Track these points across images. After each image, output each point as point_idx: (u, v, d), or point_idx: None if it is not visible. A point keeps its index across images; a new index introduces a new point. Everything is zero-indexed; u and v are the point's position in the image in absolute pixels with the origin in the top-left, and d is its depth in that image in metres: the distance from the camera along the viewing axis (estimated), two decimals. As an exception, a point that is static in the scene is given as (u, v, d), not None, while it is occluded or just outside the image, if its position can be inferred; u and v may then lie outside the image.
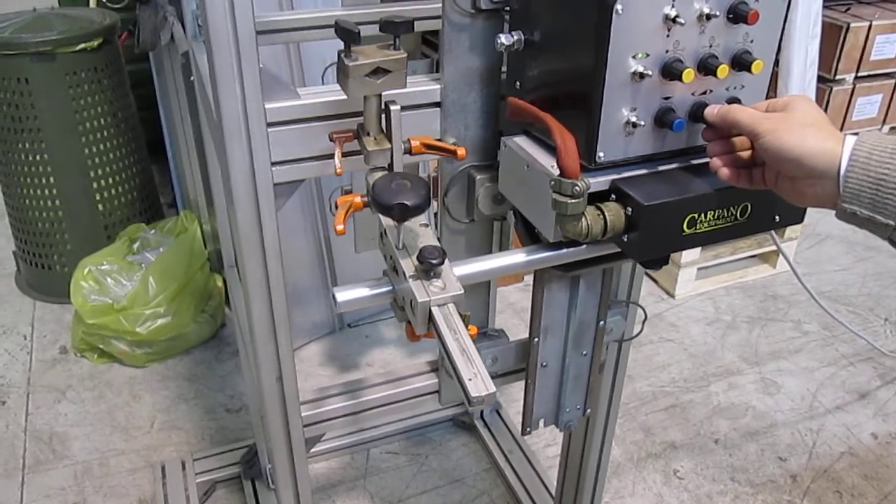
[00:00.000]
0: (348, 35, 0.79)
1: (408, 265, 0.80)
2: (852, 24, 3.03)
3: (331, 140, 0.87)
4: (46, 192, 2.44)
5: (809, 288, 1.97)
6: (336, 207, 0.83)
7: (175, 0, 1.80)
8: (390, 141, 0.85)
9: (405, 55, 0.82)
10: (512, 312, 2.52)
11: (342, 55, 0.81)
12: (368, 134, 0.86)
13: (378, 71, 0.81)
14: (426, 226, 0.84)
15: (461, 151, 0.90)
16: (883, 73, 3.21)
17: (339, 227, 0.80)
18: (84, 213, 2.50)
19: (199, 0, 0.80)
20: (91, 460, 1.95)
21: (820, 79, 2.93)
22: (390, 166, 0.86)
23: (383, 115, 0.86)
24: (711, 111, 0.82)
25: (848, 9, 3.21)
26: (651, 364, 2.32)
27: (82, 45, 2.30)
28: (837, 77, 3.12)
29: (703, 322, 2.52)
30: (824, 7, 2.89)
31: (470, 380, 0.69)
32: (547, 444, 2.00)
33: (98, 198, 2.50)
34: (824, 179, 0.73)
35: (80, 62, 2.32)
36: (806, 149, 0.73)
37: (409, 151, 0.88)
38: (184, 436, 2.04)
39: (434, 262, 0.76)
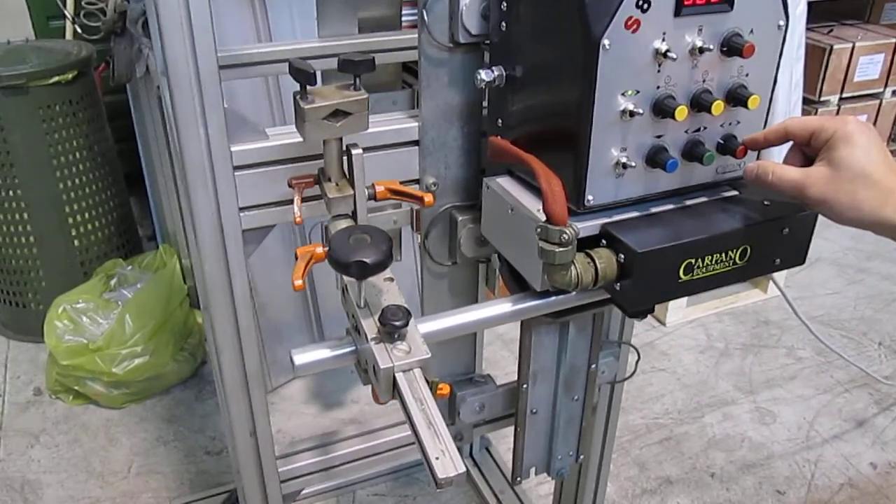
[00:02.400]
0: (303, 76, 0.74)
1: (370, 326, 0.73)
2: (835, 46, 3.03)
3: (290, 186, 0.82)
4: (20, 228, 2.37)
5: (801, 313, 1.92)
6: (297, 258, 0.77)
7: (149, 32, 1.76)
8: (353, 187, 0.79)
9: (366, 96, 0.77)
10: (501, 344, 2.46)
11: (297, 97, 0.76)
12: (330, 179, 0.81)
13: (337, 113, 0.75)
14: (391, 280, 0.78)
15: (428, 198, 0.84)
16: (867, 94, 3.21)
17: (297, 283, 0.73)
18: (59, 249, 2.43)
19: (157, 34, 0.75)
20: (64, 510, 1.87)
21: (805, 101, 2.91)
22: (354, 214, 0.80)
23: (345, 159, 0.81)
24: (751, 171, 0.78)
25: (830, 30, 3.21)
26: (643, 395, 2.26)
27: (56, 78, 2.24)
28: (822, 98, 3.11)
29: (695, 350, 2.47)
30: (807, 29, 2.88)
31: (437, 458, 0.62)
32: (539, 482, 1.94)
33: (74, 233, 2.43)
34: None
35: (55, 95, 2.27)
36: (860, 220, 0.70)
37: (373, 198, 0.83)
38: (162, 481, 1.96)
39: (397, 324, 0.70)
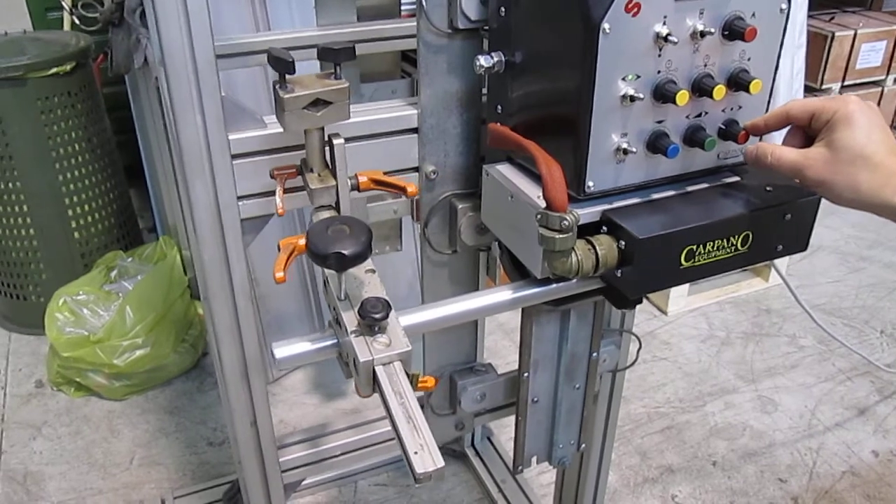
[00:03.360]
0: (281, 65, 0.73)
1: (350, 318, 0.72)
2: (837, 34, 3.01)
3: (272, 177, 0.81)
4: (20, 220, 2.36)
5: (803, 301, 1.92)
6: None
7: (147, 22, 1.75)
8: (335, 177, 0.78)
9: (347, 85, 0.76)
10: (502, 334, 2.46)
11: (276, 87, 0.75)
12: (312, 170, 0.80)
13: (317, 103, 0.74)
14: (372, 272, 0.77)
15: (412, 188, 0.83)
16: (869, 82, 3.20)
17: (279, 276, 0.72)
18: (59, 241, 2.42)
19: (154, 22, 0.74)
20: (67, 501, 1.87)
21: (807, 88, 2.91)
22: (337, 205, 0.79)
23: (328, 149, 0.80)
24: (751, 153, 0.78)
25: (832, 18, 3.20)
26: (645, 384, 2.26)
27: (54, 70, 2.23)
28: (824, 86, 3.09)
29: (696, 339, 2.47)
30: (809, 16, 2.86)
31: (416, 453, 0.61)
32: (541, 471, 1.94)
33: (74, 225, 2.42)
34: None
35: (53, 87, 2.25)
36: (859, 201, 0.69)
37: (356, 188, 0.82)
38: (164, 472, 1.96)
39: (377, 316, 0.69)
